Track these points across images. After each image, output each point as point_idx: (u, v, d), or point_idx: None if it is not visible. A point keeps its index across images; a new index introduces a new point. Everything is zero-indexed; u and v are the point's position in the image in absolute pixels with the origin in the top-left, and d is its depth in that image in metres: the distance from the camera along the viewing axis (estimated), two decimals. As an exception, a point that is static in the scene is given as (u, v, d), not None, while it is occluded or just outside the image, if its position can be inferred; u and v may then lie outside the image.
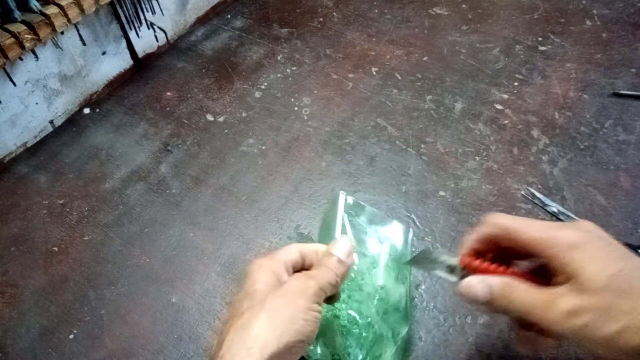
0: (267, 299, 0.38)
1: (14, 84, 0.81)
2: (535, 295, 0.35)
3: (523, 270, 0.40)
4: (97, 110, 0.96)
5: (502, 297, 0.37)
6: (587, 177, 0.74)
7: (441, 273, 0.44)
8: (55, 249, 0.73)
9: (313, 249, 0.46)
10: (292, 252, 0.44)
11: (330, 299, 0.45)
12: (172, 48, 1.08)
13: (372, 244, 0.57)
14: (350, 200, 0.60)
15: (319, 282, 0.41)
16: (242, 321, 0.37)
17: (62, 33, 0.85)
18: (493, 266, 0.40)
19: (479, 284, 0.38)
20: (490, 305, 0.38)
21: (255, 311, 0.38)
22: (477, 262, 0.40)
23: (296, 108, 0.91)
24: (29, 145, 0.90)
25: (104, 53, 0.96)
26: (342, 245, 0.45)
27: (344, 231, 0.55)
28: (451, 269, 0.43)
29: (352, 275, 0.53)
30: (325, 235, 0.58)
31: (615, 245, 0.36)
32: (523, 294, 0.36)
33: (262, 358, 0.35)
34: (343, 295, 0.51)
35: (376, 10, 1.13)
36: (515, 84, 0.91)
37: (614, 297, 0.31)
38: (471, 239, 0.42)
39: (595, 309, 0.31)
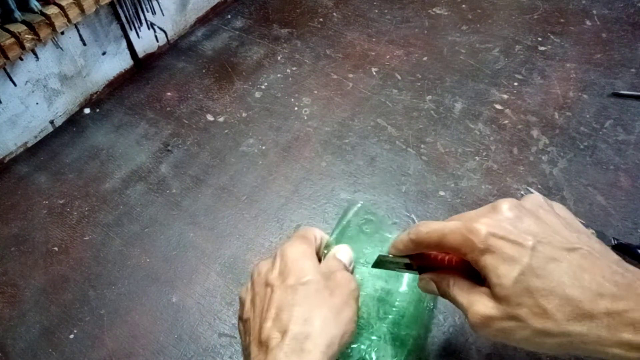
0: (321, 290, 0.37)
1: (15, 84, 0.81)
2: (462, 296, 0.36)
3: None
4: (98, 110, 0.96)
5: (444, 293, 0.38)
6: (587, 177, 0.74)
7: (403, 272, 0.46)
8: (56, 248, 0.73)
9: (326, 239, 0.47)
10: (318, 238, 0.45)
11: None
12: (173, 48, 1.09)
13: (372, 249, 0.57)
14: (361, 206, 0.60)
15: (355, 284, 0.41)
16: (302, 309, 0.36)
17: (62, 33, 0.85)
18: (440, 257, 0.40)
19: (427, 283, 0.40)
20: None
21: (312, 301, 0.36)
22: (426, 255, 0.41)
23: (296, 108, 0.91)
24: (29, 145, 0.90)
25: (104, 53, 0.96)
26: (345, 252, 0.44)
27: (353, 238, 0.54)
28: (408, 266, 0.43)
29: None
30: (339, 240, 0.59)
31: (527, 222, 0.34)
32: (454, 292, 0.37)
33: (325, 358, 0.34)
34: None
35: (376, 11, 1.13)
36: (515, 84, 0.91)
37: (520, 302, 0.31)
38: (399, 248, 0.42)
39: (506, 317, 0.32)
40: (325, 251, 0.46)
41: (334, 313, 0.36)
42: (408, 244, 0.40)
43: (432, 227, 0.37)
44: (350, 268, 0.44)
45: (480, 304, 0.33)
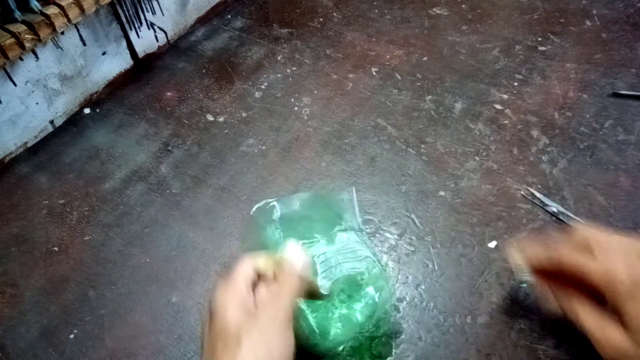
0: (242, 335, 0.38)
1: (14, 84, 0.81)
2: (592, 324, 0.41)
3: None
4: (98, 110, 0.96)
5: (565, 308, 0.44)
6: (587, 177, 0.74)
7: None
8: (56, 248, 0.73)
9: (269, 260, 0.47)
10: (249, 273, 0.45)
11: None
12: (173, 48, 1.09)
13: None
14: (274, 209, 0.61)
15: (285, 305, 0.41)
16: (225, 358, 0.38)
17: (62, 33, 0.85)
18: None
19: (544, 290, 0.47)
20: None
21: (234, 350, 0.37)
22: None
23: (296, 108, 0.91)
24: (29, 145, 0.90)
25: (104, 53, 0.96)
26: (296, 260, 0.45)
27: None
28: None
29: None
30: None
31: None
32: (583, 315, 0.42)
33: None
34: None
35: (376, 11, 1.13)
36: (515, 84, 0.91)
37: None
38: (531, 261, 0.50)
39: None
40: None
41: (262, 353, 0.37)
42: (543, 261, 0.46)
43: (577, 262, 0.43)
44: (306, 273, 0.45)
45: (615, 338, 0.39)
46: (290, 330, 0.40)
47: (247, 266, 0.45)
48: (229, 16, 1.16)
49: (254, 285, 0.44)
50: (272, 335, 0.39)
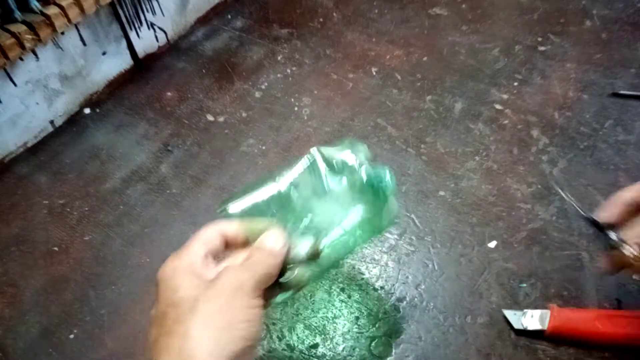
0: (197, 306, 0.31)
1: (15, 84, 0.82)
2: None
3: None
4: (98, 110, 0.96)
5: None
6: (587, 177, 0.74)
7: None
8: (56, 249, 0.73)
9: (243, 226, 0.39)
10: (211, 238, 0.37)
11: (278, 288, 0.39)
12: (173, 48, 1.09)
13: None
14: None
15: (255, 274, 0.34)
16: (173, 338, 0.30)
17: (62, 33, 0.85)
18: None
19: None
20: None
21: (186, 324, 0.30)
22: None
23: (296, 108, 0.92)
24: (29, 145, 0.90)
25: (104, 53, 0.96)
26: (273, 236, 0.37)
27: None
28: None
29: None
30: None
31: None
32: None
33: None
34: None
35: (376, 11, 1.13)
36: (515, 84, 0.91)
37: None
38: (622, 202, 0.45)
39: None
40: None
41: (207, 324, 0.30)
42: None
43: None
44: (283, 250, 0.37)
45: None
46: (257, 307, 0.33)
47: (210, 231, 0.38)
48: (229, 16, 1.16)
49: (217, 254, 0.37)
50: (235, 309, 0.31)
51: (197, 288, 0.32)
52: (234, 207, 0.45)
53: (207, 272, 0.35)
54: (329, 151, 0.49)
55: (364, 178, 0.47)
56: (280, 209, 0.44)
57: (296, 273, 0.38)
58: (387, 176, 0.48)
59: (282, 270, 0.38)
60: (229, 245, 0.39)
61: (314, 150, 0.48)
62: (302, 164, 0.47)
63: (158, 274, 0.35)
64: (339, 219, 0.45)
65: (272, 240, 0.37)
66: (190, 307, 0.31)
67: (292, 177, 0.46)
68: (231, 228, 0.39)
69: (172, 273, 0.35)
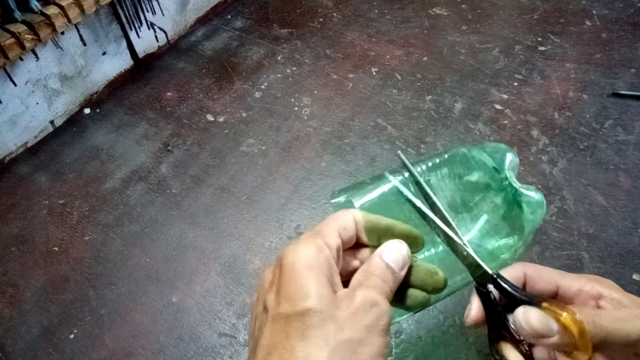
0: (328, 331, 0.26)
1: (15, 84, 0.82)
2: (625, 316, 0.29)
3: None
4: (98, 110, 0.96)
5: (595, 329, 0.28)
6: (587, 177, 0.74)
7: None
8: (56, 248, 0.73)
9: (374, 221, 0.32)
10: (348, 226, 0.31)
11: None
12: (173, 48, 1.09)
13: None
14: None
15: (386, 305, 0.28)
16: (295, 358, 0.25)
17: (62, 33, 0.85)
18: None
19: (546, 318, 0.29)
20: (563, 342, 0.28)
21: (310, 348, 0.25)
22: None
23: (296, 108, 0.92)
24: (29, 145, 0.90)
25: (104, 53, 0.96)
26: (395, 252, 0.31)
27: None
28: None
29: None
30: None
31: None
32: (614, 317, 0.28)
33: None
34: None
35: (376, 11, 1.13)
36: (515, 84, 0.91)
37: None
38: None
39: None
40: (374, 241, 0.32)
41: (342, 356, 0.26)
42: (518, 274, 0.32)
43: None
44: (403, 272, 0.31)
45: None
46: (387, 348, 0.27)
47: (348, 217, 0.31)
48: (229, 16, 1.16)
49: (345, 247, 0.31)
50: (367, 347, 0.26)
51: (330, 304, 0.27)
52: (360, 200, 0.36)
53: (337, 277, 0.29)
54: (477, 152, 0.41)
55: (520, 199, 0.40)
56: (412, 214, 0.36)
57: (418, 296, 0.32)
58: (543, 206, 0.40)
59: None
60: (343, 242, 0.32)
61: (462, 150, 0.40)
62: (445, 159, 0.39)
63: (287, 256, 0.28)
64: (476, 240, 0.38)
65: (394, 256, 0.31)
66: (319, 326, 0.26)
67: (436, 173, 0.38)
68: (361, 219, 0.32)
69: (305, 267, 0.28)
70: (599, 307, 0.31)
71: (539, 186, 0.74)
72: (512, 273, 0.32)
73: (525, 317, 0.29)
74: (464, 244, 0.33)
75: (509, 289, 0.30)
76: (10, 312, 0.66)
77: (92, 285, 0.68)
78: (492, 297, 0.31)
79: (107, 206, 0.78)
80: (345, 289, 0.29)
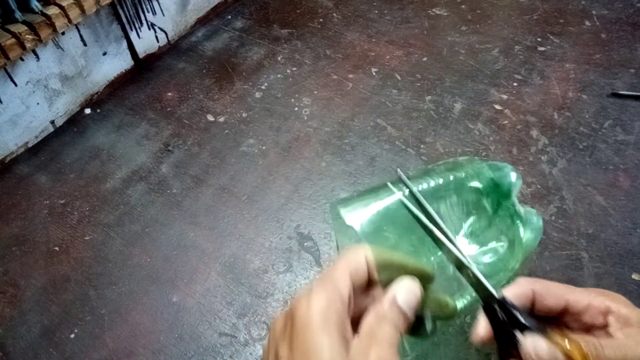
0: None
1: (15, 84, 0.82)
2: (627, 343, 0.29)
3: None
4: (98, 110, 0.96)
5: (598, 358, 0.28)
6: (586, 177, 0.74)
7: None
8: (56, 248, 0.73)
9: (381, 255, 0.31)
10: (359, 269, 0.30)
11: None
12: (173, 48, 1.09)
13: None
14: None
15: (393, 349, 0.27)
16: None
17: (63, 33, 0.85)
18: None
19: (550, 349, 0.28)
20: None
21: None
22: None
23: (296, 108, 0.92)
24: (30, 145, 0.90)
25: (104, 53, 0.96)
26: (408, 293, 0.30)
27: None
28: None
29: None
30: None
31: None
32: (617, 346, 0.29)
33: None
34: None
35: (376, 11, 1.13)
36: (515, 84, 0.91)
37: None
38: (508, 294, 0.32)
39: None
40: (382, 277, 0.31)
41: None
42: (525, 291, 0.32)
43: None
44: (414, 311, 0.30)
45: None
46: None
47: (359, 259, 0.30)
48: (229, 16, 1.16)
49: (351, 300, 0.29)
50: None
51: (340, 355, 0.26)
52: (352, 216, 0.34)
53: (348, 325, 0.28)
54: (479, 167, 0.39)
55: (521, 223, 0.39)
56: (420, 240, 0.34)
57: (429, 327, 0.32)
58: (541, 232, 0.40)
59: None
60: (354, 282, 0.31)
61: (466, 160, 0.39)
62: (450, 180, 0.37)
63: (300, 308, 0.28)
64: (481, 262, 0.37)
65: (406, 297, 0.30)
66: None
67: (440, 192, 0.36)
68: (371, 257, 0.31)
69: (319, 322, 0.27)
70: (606, 322, 0.31)
71: (539, 186, 0.74)
72: (520, 290, 0.32)
73: (535, 348, 0.29)
74: (470, 265, 0.33)
75: (517, 315, 0.30)
76: (11, 312, 0.66)
77: (93, 285, 0.68)
78: (500, 316, 0.31)
79: (107, 206, 0.78)
80: (358, 341, 0.28)
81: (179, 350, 0.60)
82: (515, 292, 0.32)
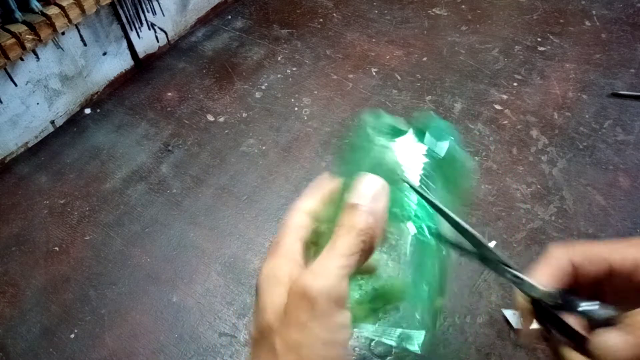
0: (275, 341, 0.24)
1: (15, 85, 0.82)
2: None
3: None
4: (98, 110, 0.96)
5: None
6: (586, 177, 0.74)
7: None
8: (56, 248, 0.73)
9: (330, 196, 0.29)
10: (302, 225, 0.28)
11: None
12: (173, 48, 1.09)
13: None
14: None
15: (337, 271, 0.24)
16: None
17: (63, 33, 0.85)
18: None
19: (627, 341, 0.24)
20: None
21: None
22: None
23: (296, 108, 0.92)
24: (30, 145, 0.90)
25: (104, 53, 0.96)
26: (364, 186, 0.26)
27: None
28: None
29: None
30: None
31: None
32: None
33: None
34: None
35: (376, 11, 1.13)
36: (515, 84, 0.91)
37: None
38: (544, 276, 0.27)
39: None
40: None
41: None
42: (567, 264, 0.27)
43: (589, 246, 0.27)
44: (378, 205, 0.26)
45: None
46: (344, 324, 0.24)
47: (299, 217, 0.28)
48: (229, 17, 1.16)
49: (307, 246, 0.28)
50: (316, 344, 0.24)
51: (278, 310, 0.25)
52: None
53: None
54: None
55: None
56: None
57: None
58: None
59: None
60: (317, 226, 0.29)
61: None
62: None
63: (258, 283, 0.26)
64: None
65: (363, 191, 0.26)
66: (270, 342, 0.24)
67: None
68: (317, 203, 0.29)
69: (264, 283, 0.26)
70: None
71: (539, 186, 0.74)
72: (558, 264, 0.28)
73: (606, 344, 0.24)
74: (509, 264, 0.28)
75: (579, 308, 0.25)
76: (11, 312, 0.66)
77: (93, 285, 0.68)
78: (543, 303, 0.27)
79: (107, 206, 0.78)
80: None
81: (179, 350, 0.60)
82: (553, 266, 0.28)
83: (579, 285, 0.28)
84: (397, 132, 0.33)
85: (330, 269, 0.24)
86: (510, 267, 0.28)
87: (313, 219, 0.29)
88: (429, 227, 0.31)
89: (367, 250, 0.26)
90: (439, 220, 0.31)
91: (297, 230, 0.28)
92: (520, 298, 0.27)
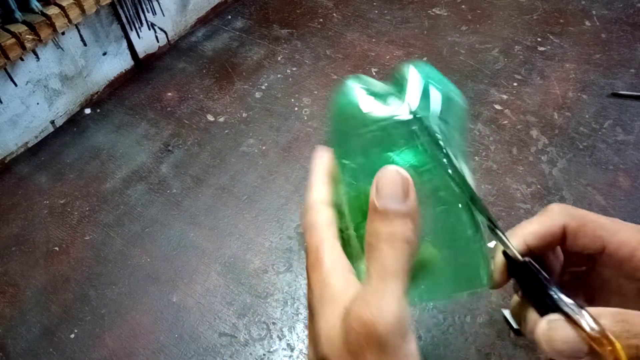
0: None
1: (15, 85, 0.82)
2: None
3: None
4: (98, 110, 0.96)
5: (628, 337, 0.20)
6: (586, 177, 0.74)
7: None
8: (56, 248, 0.73)
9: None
10: (329, 224, 0.24)
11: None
12: (173, 48, 1.09)
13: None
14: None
15: (399, 300, 0.20)
16: None
17: (63, 33, 0.85)
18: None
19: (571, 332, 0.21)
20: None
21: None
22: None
23: (296, 108, 0.92)
24: (30, 145, 0.90)
25: (104, 53, 0.96)
26: (388, 184, 0.22)
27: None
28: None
29: None
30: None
31: None
32: None
33: None
34: None
35: (376, 11, 1.13)
36: (515, 84, 0.91)
37: None
38: (530, 231, 0.25)
39: None
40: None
41: None
42: (555, 223, 0.25)
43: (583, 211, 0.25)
44: (409, 204, 0.21)
45: None
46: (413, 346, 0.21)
47: (322, 211, 0.25)
48: (229, 17, 1.16)
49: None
50: None
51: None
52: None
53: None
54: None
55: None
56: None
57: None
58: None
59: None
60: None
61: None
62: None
63: (311, 304, 0.23)
64: None
65: (388, 189, 0.22)
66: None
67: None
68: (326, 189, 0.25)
69: (323, 304, 0.22)
70: None
71: (539, 186, 0.74)
72: (551, 224, 0.26)
73: (550, 330, 0.21)
74: (493, 219, 0.24)
75: (545, 283, 0.23)
76: (11, 312, 0.66)
77: (93, 285, 0.68)
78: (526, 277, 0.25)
79: (107, 206, 0.78)
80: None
81: (179, 350, 0.60)
82: (546, 224, 0.26)
83: (565, 252, 0.26)
84: (384, 94, 0.30)
85: (391, 299, 0.20)
86: (494, 225, 0.25)
87: (333, 207, 0.25)
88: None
89: (411, 255, 0.22)
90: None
91: (328, 229, 0.24)
92: (500, 251, 0.25)
